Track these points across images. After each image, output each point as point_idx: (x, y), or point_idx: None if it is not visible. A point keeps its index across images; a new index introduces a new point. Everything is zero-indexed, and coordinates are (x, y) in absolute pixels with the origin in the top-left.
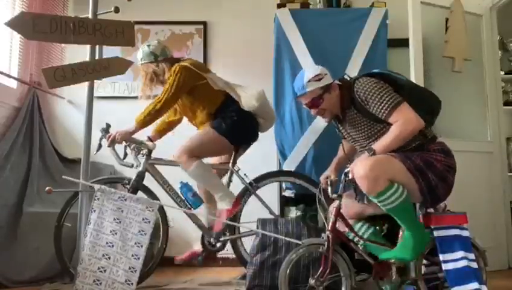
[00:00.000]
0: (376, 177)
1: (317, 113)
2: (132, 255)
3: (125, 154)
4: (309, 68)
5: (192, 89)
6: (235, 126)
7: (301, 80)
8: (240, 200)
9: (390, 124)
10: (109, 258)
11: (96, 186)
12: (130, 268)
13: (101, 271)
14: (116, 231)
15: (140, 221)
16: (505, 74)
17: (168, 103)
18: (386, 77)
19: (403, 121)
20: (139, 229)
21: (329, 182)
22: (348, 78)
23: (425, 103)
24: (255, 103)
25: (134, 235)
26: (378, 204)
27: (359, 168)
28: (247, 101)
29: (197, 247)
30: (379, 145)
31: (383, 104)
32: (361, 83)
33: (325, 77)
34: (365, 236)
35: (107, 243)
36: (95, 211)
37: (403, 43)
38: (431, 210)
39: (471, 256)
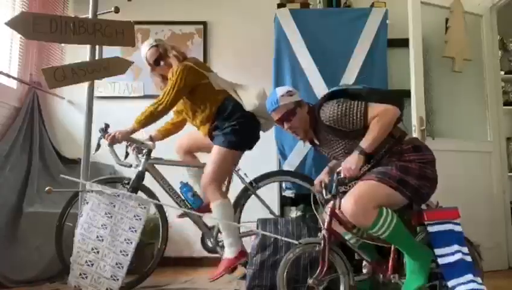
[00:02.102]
0: (364, 209)
1: (289, 128)
2: (121, 251)
3: (127, 154)
4: (280, 87)
5: (194, 89)
6: (238, 134)
7: (274, 96)
8: (245, 253)
9: (363, 137)
10: (98, 252)
11: (88, 185)
12: (117, 264)
13: (88, 265)
14: (106, 226)
15: (131, 217)
16: (505, 74)
17: (169, 105)
18: (342, 93)
19: (380, 115)
20: (129, 226)
21: (323, 185)
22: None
23: (388, 101)
24: (256, 102)
25: (124, 232)
26: (377, 235)
27: (345, 208)
28: (249, 100)
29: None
30: (365, 142)
31: (353, 116)
32: (326, 110)
33: (296, 93)
34: (362, 235)
35: (97, 236)
36: (87, 203)
37: (403, 43)
38: (424, 207)
39: (465, 250)
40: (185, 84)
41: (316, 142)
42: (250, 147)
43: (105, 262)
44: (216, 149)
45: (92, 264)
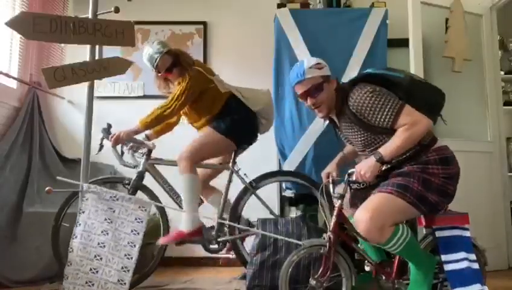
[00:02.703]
0: (380, 227)
1: (313, 104)
2: (125, 255)
3: (122, 153)
4: (309, 58)
5: (201, 93)
6: (235, 124)
7: (301, 67)
8: (200, 232)
9: (387, 135)
10: (101, 259)
11: (85, 186)
12: (122, 268)
13: (93, 272)
14: (107, 231)
15: (132, 220)
16: (505, 74)
17: (177, 110)
18: (380, 78)
19: (410, 124)
20: (131, 229)
21: (331, 180)
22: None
23: (427, 99)
24: (266, 100)
25: (126, 235)
26: (388, 250)
27: (359, 222)
28: (258, 98)
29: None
30: (387, 150)
31: (385, 114)
32: (356, 96)
33: (325, 67)
34: None
35: (98, 243)
36: (83, 212)
37: (403, 43)
38: None
39: (473, 257)
40: (194, 90)
41: (337, 123)
42: (242, 143)
43: (110, 267)
44: (207, 130)
45: (97, 271)
